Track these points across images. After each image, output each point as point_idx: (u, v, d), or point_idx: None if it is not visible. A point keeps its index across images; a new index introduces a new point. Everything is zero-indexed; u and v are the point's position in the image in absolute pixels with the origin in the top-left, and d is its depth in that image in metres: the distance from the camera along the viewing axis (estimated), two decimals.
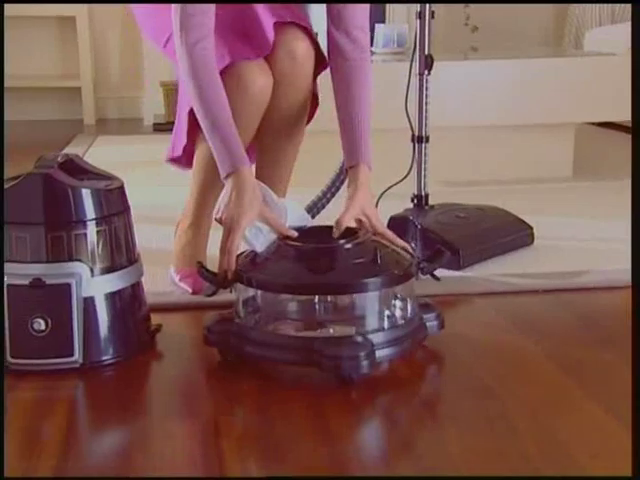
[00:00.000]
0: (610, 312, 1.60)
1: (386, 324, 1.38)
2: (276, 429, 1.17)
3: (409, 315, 1.40)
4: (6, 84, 4.05)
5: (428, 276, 1.47)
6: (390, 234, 1.47)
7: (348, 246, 1.36)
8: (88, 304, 1.33)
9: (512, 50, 4.16)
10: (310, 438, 1.14)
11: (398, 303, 1.41)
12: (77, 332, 1.32)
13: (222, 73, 1.49)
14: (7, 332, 1.32)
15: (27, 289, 1.31)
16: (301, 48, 1.60)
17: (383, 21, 4.27)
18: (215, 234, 1.94)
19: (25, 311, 1.31)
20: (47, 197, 1.32)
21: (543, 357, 1.39)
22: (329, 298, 1.41)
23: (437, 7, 4.42)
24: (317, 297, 1.40)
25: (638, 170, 1.38)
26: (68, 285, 1.31)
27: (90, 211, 1.34)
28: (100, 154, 3.27)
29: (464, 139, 3.47)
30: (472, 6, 4.29)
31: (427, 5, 1.91)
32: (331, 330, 1.40)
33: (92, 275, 1.34)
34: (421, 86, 1.93)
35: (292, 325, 1.41)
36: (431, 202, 2.01)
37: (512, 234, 1.93)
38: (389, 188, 1.95)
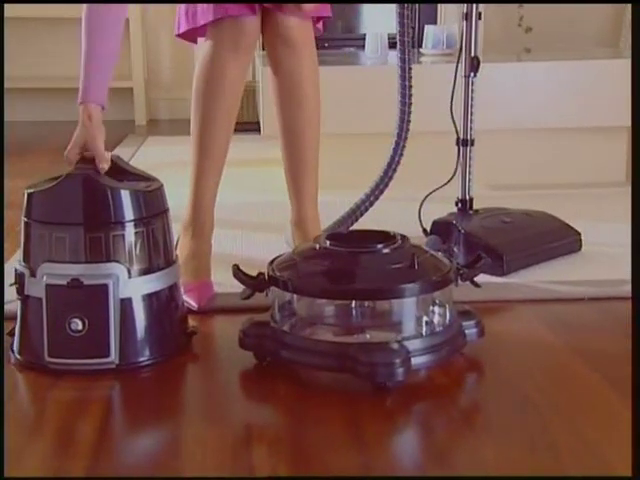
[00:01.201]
0: None
1: (423, 331, 1.36)
2: (308, 435, 1.16)
3: (447, 322, 1.37)
4: (62, 85, 4.13)
5: (468, 282, 1.44)
6: None
7: (386, 251, 1.34)
8: (125, 305, 1.33)
9: (566, 51, 4.09)
10: (342, 445, 1.12)
11: (436, 309, 1.39)
12: (114, 333, 1.32)
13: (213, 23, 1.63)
14: (45, 332, 1.32)
15: (65, 289, 1.31)
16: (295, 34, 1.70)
17: (435, 22, 4.24)
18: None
19: (63, 311, 1.32)
20: (87, 198, 1.33)
21: (587, 369, 1.35)
22: (366, 303, 1.39)
23: (490, 8, 4.39)
24: (354, 302, 1.39)
25: (638, 174, 1.34)
26: (105, 286, 1.32)
27: (129, 212, 1.35)
28: (149, 154, 3.30)
29: (515, 141, 3.43)
30: (525, 7, 4.23)
31: (474, 5, 1.88)
32: (368, 336, 1.38)
33: (129, 276, 1.34)
34: (467, 88, 1.90)
35: (328, 330, 1.40)
36: (477, 206, 1.98)
37: (559, 240, 1.89)
38: (433, 192, 1.93)
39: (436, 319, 1.38)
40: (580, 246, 1.92)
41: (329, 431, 1.16)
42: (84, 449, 1.10)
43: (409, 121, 1.99)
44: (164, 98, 4.29)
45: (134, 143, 3.55)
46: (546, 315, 1.58)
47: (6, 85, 4.08)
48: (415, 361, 1.28)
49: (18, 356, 1.37)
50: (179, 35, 1.75)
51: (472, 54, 1.90)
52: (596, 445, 1.12)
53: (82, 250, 1.32)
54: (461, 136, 1.92)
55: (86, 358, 1.33)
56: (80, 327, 1.31)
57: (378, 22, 4.34)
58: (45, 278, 1.33)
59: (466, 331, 1.39)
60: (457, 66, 1.91)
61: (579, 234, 1.93)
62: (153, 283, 1.37)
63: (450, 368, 1.35)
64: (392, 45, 4.37)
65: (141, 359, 1.35)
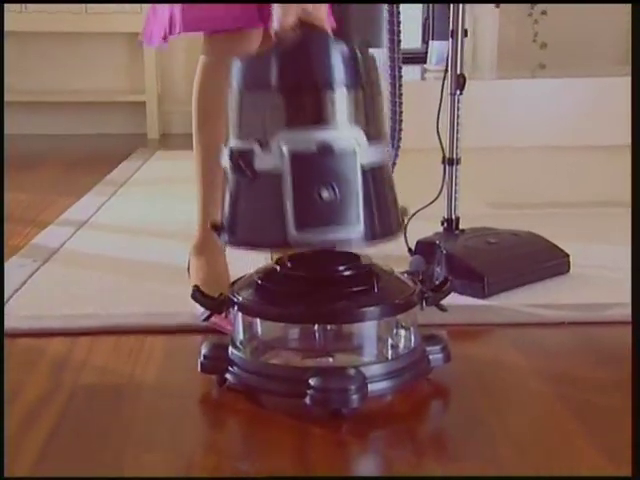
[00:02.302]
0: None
1: (389, 354, 1.33)
2: (250, 464, 1.13)
3: (410, 346, 1.34)
4: (75, 99, 4.16)
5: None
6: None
7: (347, 273, 1.31)
8: (366, 173, 1.24)
9: (580, 68, 4.04)
10: (286, 472, 1.09)
11: (399, 334, 1.36)
12: (362, 202, 1.23)
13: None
14: (290, 205, 1.21)
15: (315, 156, 1.21)
16: None
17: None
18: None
19: (312, 180, 1.22)
20: (324, 57, 1.23)
21: (552, 396, 1.31)
22: (329, 327, 1.36)
23: (505, 23, 4.33)
24: (316, 325, 1.36)
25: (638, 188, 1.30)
26: (354, 151, 1.22)
27: (367, 74, 1.26)
28: (156, 168, 3.30)
29: (521, 158, 3.39)
30: (541, 22, 4.18)
31: (460, 23, 1.85)
32: (330, 360, 1.36)
33: (369, 144, 1.24)
34: (453, 106, 1.87)
35: (290, 354, 1.37)
36: (475, 225, 1.95)
37: (546, 262, 1.85)
38: (417, 212, 1.89)
39: (398, 344, 1.34)
40: (568, 268, 1.88)
41: (273, 460, 1.13)
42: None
43: (400, 138, 1.97)
44: (177, 112, 4.29)
45: (143, 157, 3.56)
46: (522, 339, 1.54)
47: (19, 98, 4.13)
48: (373, 387, 1.25)
49: (233, 241, 1.30)
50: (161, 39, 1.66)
51: (458, 72, 1.86)
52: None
53: (325, 113, 1.22)
54: (447, 155, 1.89)
55: (338, 225, 1.22)
56: (331, 196, 1.21)
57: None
58: (286, 147, 1.21)
59: (431, 356, 1.35)
60: (443, 83, 1.87)
61: (567, 256, 1.88)
62: (382, 153, 1.28)
63: (412, 394, 1.31)
64: (404, 61, 4.35)
65: (379, 234, 1.27)
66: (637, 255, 1.28)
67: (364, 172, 1.24)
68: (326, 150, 1.21)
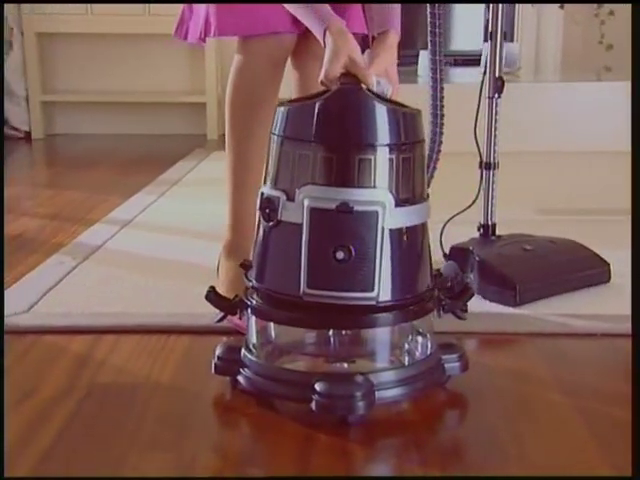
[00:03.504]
0: None
1: (399, 362, 1.31)
2: (254, 467, 1.12)
3: (424, 354, 1.32)
4: (136, 99, 4.23)
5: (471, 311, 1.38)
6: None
7: None
8: (389, 236, 1.22)
9: None
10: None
11: (416, 340, 1.34)
12: (379, 266, 1.21)
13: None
14: (303, 260, 1.22)
15: (333, 214, 1.21)
16: None
17: (512, 40, 4.14)
18: None
19: (328, 238, 1.22)
20: (357, 115, 1.23)
21: (574, 411, 1.26)
22: (343, 332, 1.35)
23: (570, 24, 4.24)
24: (331, 331, 1.35)
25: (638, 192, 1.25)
26: (375, 213, 1.21)
27: (398, 135, 1.24)
28: (209, 169, 3.33)
29: (581, 164, 3.31)
30: (607, 24, 4.08)
31: (499, 25, 1.81)
32: (346, 365, 1.34)
33: (396, 205, 1.23)
34: (491, 110, 1.84)
35: (305, 359, 1.36)
36: (520, 231, 1.92)
37: (583, 270, 1.79)
38: (454, 216, 1.86)
39: (411, 351, 1.32)
40: (609, 278, 1.82)
41: (275, 465, 1.13)
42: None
43: (441, 142, 1.94)
44: None
45: (199, 157, 3.59)
46: (549, 350, 1.50)
47: (82, 99, 4.22)
48: (382, 394, 1.23)
49: (257, 284, 1.29)
50: (199, 38, 1.68)
51: (497, 75, 1.83)
52: None
53: (350, 173, 1.21)
54: (484, 159, 1.85)
55: (349, 291, 1.22)
56: (345, 257, 1.20)
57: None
58: (308, 201, 1.23)
59: (447, 365, 1.33)
60: (481, 87, 1.84)
61: (608, 265, 1.82)
62: (415, 215, 1.27)
63: (425, 403, 1.29)
64: (463, 63, 4.30)
65: (399, 298, 1.24)
66: (637, 262, 1.23)
67: (391, 235, 1.22)
68: (345, 210, 1.20)
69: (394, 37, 1.48)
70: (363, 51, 1.76)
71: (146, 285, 1.82)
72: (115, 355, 1.47)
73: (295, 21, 1.58)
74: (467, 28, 4.43)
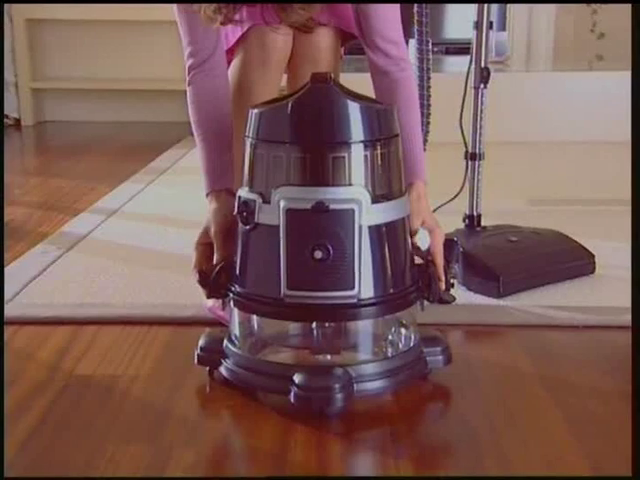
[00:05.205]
0: None
1: (383, 354, 1.31)
2: (230, 460, 1.12)
3: (406, 347, 1.31)
4: (127, 86, 4.21)
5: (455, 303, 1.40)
6: (439, 260, 1.38)
7: None
8: (366, 234, 1.22)
9: None
10: (263, 472, 1.08)
11: (397, 333, 1.33)
12: (358, 264, 1.21)
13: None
14: (283, 262, 1.22)
15: (309, 214, 1.20)
16: (323, 47, 1.61)
17: (503, 29, 4.12)
18: None
19: (305, 238, 1.21)
20: (327, 114, 1.22)
21: (554, 406, 1.26)
22: (326, 323, 1.35)
23: (562, 13, 4.23)
24: (314, 323, 1.34)
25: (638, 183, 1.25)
26: (351, 211, 1.21)
27: (372, 131, 1.23)
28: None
29: (572, 154, 3.30)
30: (600, 12, 4.07)
31: (485, 14, 1.80)
32: (329, 357, 1.34)
33: (372, 202, 1.22)
34: (476, 100, 1.83)
35: (287, 351, 1.36)
36: (509, 222, 1.93)
37: (567, 262, 1.79)
38: (440, 207, 1.86)
39: (393, 343, 1.32)
40: (593, 269, 1.82)
41: (251, 458, 1.12)
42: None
43: (427, 132, 1.94)
44: None
45: (188, 145, 3.57)
46: (531, 342, 1.50)
47: (73, 86, 4.20)
48: (361, 387, 1.23)
49: (239, 289, 1.28)
50: None
51: (482, 65, 1.82)
52: None
53: (325, 172, 1.21)
54: (470, 150, 1.85)
55: (329, 291, 1.22)
56: (324, 256, 1.20)
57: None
58: (283, 203, 1.22)
59: (430, 358, 1.33)
60: (467, 77, 1.83)
61: (592, 256, 1.82)
62: (393, 211, 1.26)
63: (406, 396, 1.29)
64: (456, 51, 4.27)
65: (380, 294, 1.24)
66: (637, 256, 1.23)
67: (369, 232, 1.22)
68: (321, 209, 1.20)
69: (422, 187, 1.47)
70: (346, 50, 1.75)
71: (130, 275, 1.81)
72: (96, 346, 1.47)
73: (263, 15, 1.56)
74: (459, 16, 4.42)
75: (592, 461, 1.10)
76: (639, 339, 1.11)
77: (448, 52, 4.11)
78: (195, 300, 1.58)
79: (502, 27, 4.10)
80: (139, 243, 2.07)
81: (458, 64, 3.99)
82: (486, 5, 1.82)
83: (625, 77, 3.57)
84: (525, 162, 3.19)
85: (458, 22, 4.42)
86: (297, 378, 1.20)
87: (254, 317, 1.34)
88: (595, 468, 1.08)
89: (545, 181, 2.82)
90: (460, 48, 4.20)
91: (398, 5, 1.50)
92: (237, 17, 1.39)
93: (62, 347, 1.46)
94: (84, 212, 2.37)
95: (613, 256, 1.90)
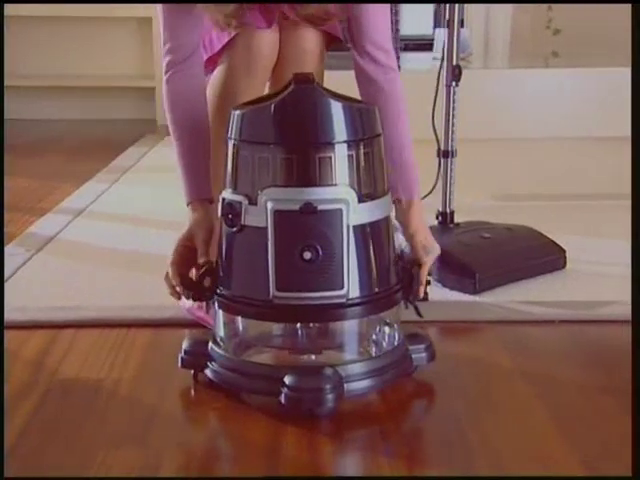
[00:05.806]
0: (624, 350, 1.47)
1: (367, 353, 1.31)
2: (221, 462, 1.12)
3: (391, 345, 1.32)
4: (83, 84, 4.15)
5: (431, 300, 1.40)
6: (424, 272, 1.38)
7: None
8: (354, 233, 1.22)
9: (595, 56, 3.97)
10: (255, 473, 1.08)
11: (381, 333, 1.34)
12: (347, 264, 1.21)
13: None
14: (271, 263, 1.21)
15: (297, 215, 1.20)
16: (309, 50, 1.58)
17: (461, 26, 4.14)
18: None
19: (294, 240, 1.21)
20: (312, 114, 1.21)
21: (533, 399, 1.28)
22: (311, 324, 1.35)
23: (518, 9, 4.26)
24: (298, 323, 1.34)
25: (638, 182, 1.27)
26: (339, 211, 1.21)
27: (357, 130, 1.23)
28: (161, 155, 3.28)
29: (532, 151, 3.34)
30: (555, 9, 4.11)
31: (456, 12, 1.82)
32: (313, 357, 1.34)
33: (359, 202, 1.23)
34: (448, 98, 1.84)
35: (273, 352, 1.36)
36: (477, 218, 1.94)
37: (540, 257, 1.81)
38: None
39: (379, 343, 1.33)
40: (564, 264, 1.84)
41: (242, 460, 1.12)
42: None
43: None
44: None
45: (149, 143, 3.54)
46: (510, 338, 1.52)
47: (27, 83, 4.12)
48: (350, 387, 1.23)
49: (225, 292, 1.28)
50: None
51: (454, 62, 1.83)
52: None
53: (312, 172, 1.20)
54: (442, 147, 1.86)
55: (318, 291, 1.22)
56: (313, 257, 1.20)
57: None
58: (271, 204, 1.22)
59: (414, 355, 1.34)
60: (439, 75, 1.85)
61: (563, 251, 1.85)
62: (378, 210, 1.26)
63: (392, 394, 1.29)
64: (413, 48, 4.28)
65: (368, 293, 1.25)
66: (637, 253, 1.25)
67: (356, 232, 1.23)
68: (309, 210, 1.20)
69: (419, 204, 1.48)
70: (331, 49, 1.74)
71: (103, 277, 1.79)
72: (75, 351, 1.45)
73: (267, 18, 1.54)
74: (416, 13, 4.43)
75: (582, 455, 1.12)
76: (639, 337, 1.13)
77: (407, 48, 4.12)
78: (172, 301, 1.56)
79: (461, 24, 4.13)
80: (108, 244, 2.05)
81: (417, 60, 4.02)
82: (457, 5, 1.83)
83: (580, 74, 3.64)
84: (488, 159, 3.22)
85: (415, 18, 4.43)
86: (288, 379, 1.20)
87: (239, 319, 1.34)
88: (584, 462, 1.10)
89: (509, 177, 2.85)
90: (418, 44, 4.23)
91: (389, 14, 1.49)
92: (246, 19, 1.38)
93: (41, 351, 1.44)
94: (50, 212, 2.34)
95: (583, 250, 1.93)
